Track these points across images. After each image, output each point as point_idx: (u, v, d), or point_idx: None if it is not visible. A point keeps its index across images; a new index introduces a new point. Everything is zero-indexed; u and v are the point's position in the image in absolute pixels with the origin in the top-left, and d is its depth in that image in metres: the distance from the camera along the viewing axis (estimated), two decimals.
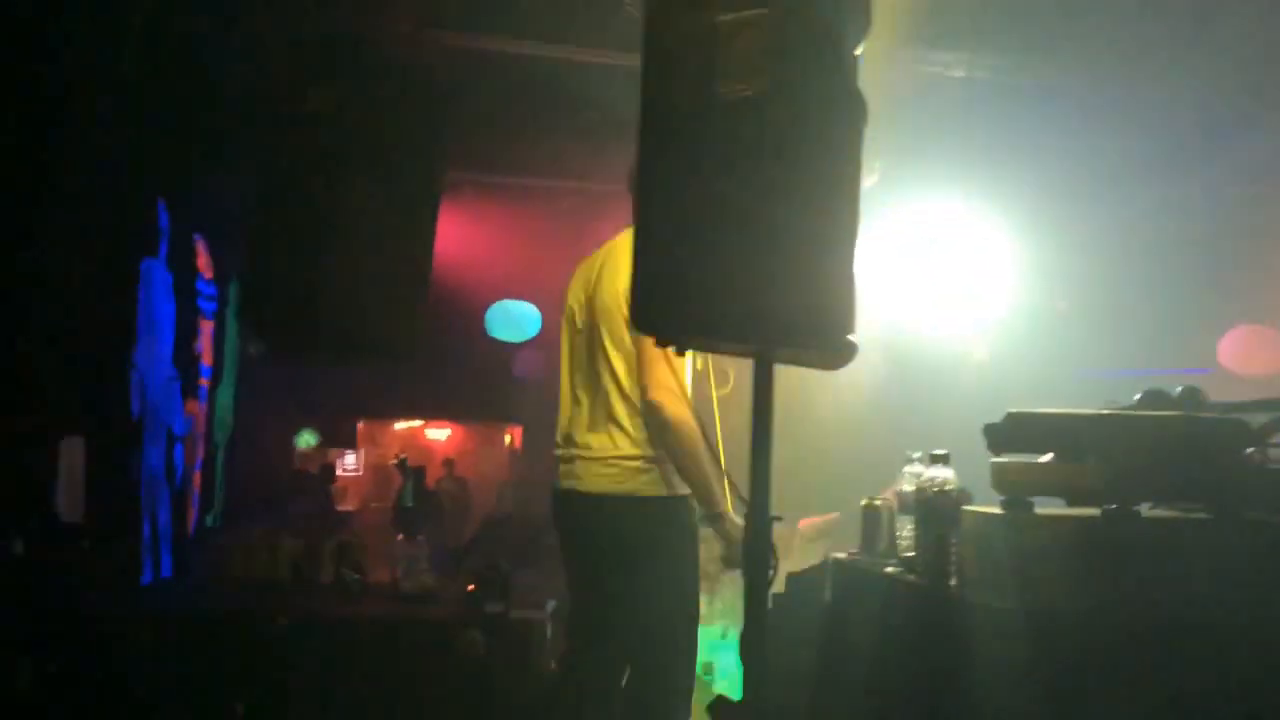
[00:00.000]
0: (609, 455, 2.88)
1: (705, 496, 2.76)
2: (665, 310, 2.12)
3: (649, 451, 2.84)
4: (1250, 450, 2.18)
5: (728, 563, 2.78)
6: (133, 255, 4.92)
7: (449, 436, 12.88)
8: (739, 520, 2.72)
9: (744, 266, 2.04)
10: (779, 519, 2.24)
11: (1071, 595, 1.90)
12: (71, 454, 4.32)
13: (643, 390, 2.80)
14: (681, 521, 2.85)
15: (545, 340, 7.38)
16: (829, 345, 2.06)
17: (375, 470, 12.21)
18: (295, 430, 9.46)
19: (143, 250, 5.06)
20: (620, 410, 2.91)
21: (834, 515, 5.17)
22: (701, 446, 2.74)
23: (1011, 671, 1.83)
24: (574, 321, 3.12)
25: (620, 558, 2.88)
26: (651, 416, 2.77)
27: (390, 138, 4.62)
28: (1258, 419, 2.31)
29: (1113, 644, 1.84)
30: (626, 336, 2.92)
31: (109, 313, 4.68)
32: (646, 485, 2.84)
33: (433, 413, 11.78)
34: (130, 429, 4.85)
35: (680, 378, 2.81)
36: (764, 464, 2.29)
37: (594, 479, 2.90)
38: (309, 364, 5.61)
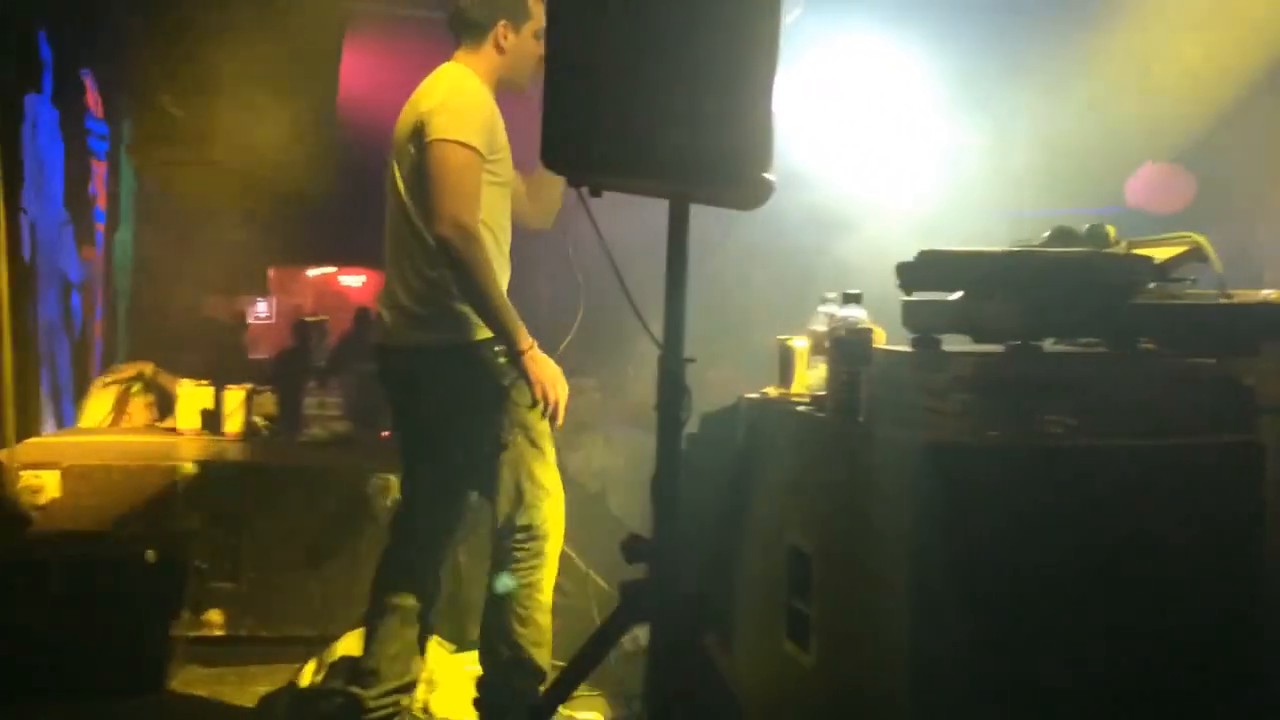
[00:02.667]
0: (405, 304, 2.81)
1: (503, 335, 2.70)
2: (576, 150, 2.06)
3: (440, 295, 2.77)
4: (1152, 285, 2.22)
5: (532, 401, 2.72)
6: (12, 90, 4.61)
7: (364, 283, 12.60)
8: (543, 358, 2.71)
9: (657, 106, 1.98)
10: (692, 360, 2.24)
11: (973, 430, 1.94)
12: None
13: (429, 225, 2.71)
14: (484, 365, 2.80)
15: None
16: (745, 184, 2.02)
17: (288, 318, 11.96)
18: (202, 277, 9.18)
19: (24, 85, 4.75)
20: (415, 251, 2.81)
21: None
22: (491, 282, 2.67)
23: (913, 504, 1.88)
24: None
25: (431, 409, 2.85)
26: (441, 254, 2.69)
27: None
28: (1162, 254, 2.36)
29: (1012, 477, 1.90)
30: (410, 169, 2.80)
31: None
32: (441, 333, 2.79)
33: (347, 259, 11.47)
34: (22, 276, 4.64)
35: (471, 205, 2.70)
36: (679, 306, 2.27)
37: (397, 331, 2.84)
38: (208, 206, 5.38)
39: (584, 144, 2.05)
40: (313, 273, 12.55)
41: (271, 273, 11.28)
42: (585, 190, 2.19)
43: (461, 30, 2.98)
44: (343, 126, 5.85)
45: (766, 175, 2.06)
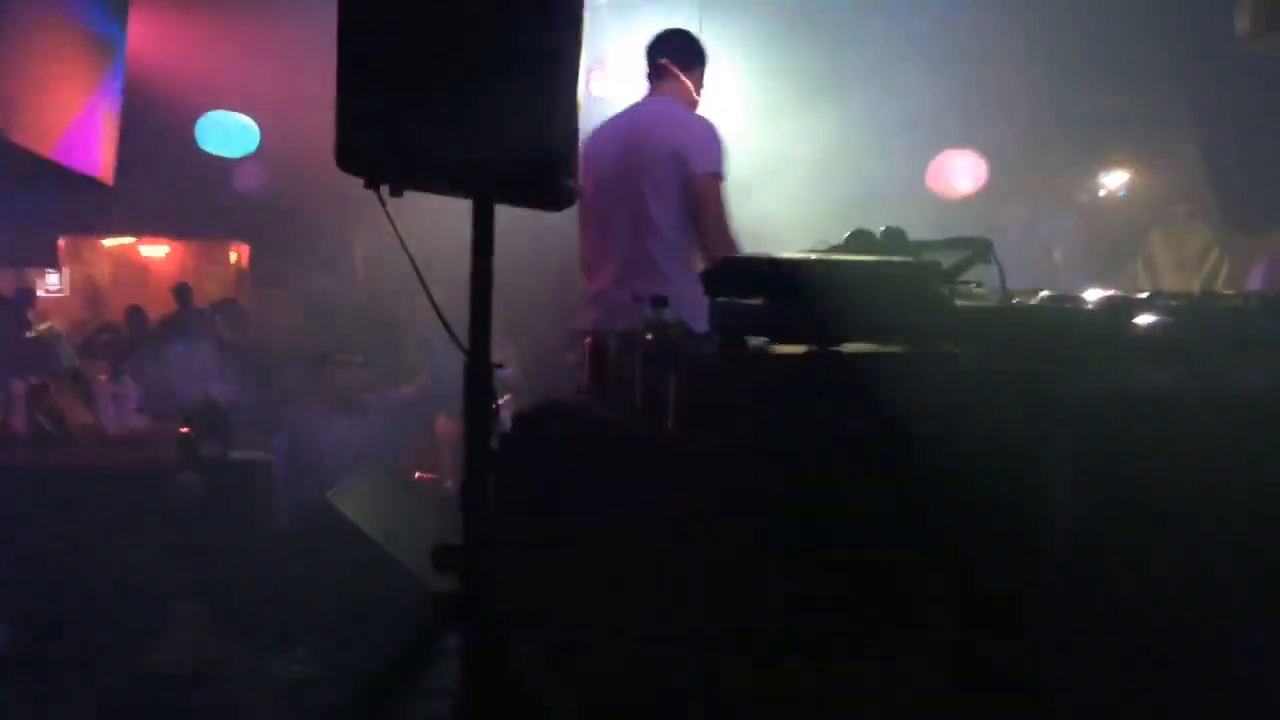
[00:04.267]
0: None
1: None
2: (371, 155, 1.99)
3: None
4: (943, 289, 2.32)
5: None
6: None
7: (168, 254, 11.96)
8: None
9: (454, 111, 1.93)
10: (500, 366, 2.21)
11: (777, 431, 1.99)
12: None
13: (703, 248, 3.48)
14: None
15: (264, 154, 6.88)
16: (547, 196, 2.00)
17: (83, 291, 11.26)
18: None
19: None
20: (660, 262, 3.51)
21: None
22: None
23: (715, 513, 1.92)
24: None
25: None
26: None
27: None
28: (950, 258, 2.47)
29: (814, 476, 1.95)
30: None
31: None
32: None
33: (146, 228, 10.85)
34: None
35: None
36: (484, 309, 2.24)
37: None
38: None
39: (379, 149, 1.98)
40: (110, 242, 11.83)
41: (62, 242, 10.60)
42: (385, 190, 2.13)
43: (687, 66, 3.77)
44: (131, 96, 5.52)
45: (570, 182, 2.05)
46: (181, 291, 7.89)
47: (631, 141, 3.62)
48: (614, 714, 2.31)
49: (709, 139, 3.54)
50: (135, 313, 8.03)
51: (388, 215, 2.15)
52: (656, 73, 3.78)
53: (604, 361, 2.74)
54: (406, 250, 2.18)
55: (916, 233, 2.59)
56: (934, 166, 6.95)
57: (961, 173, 6.77)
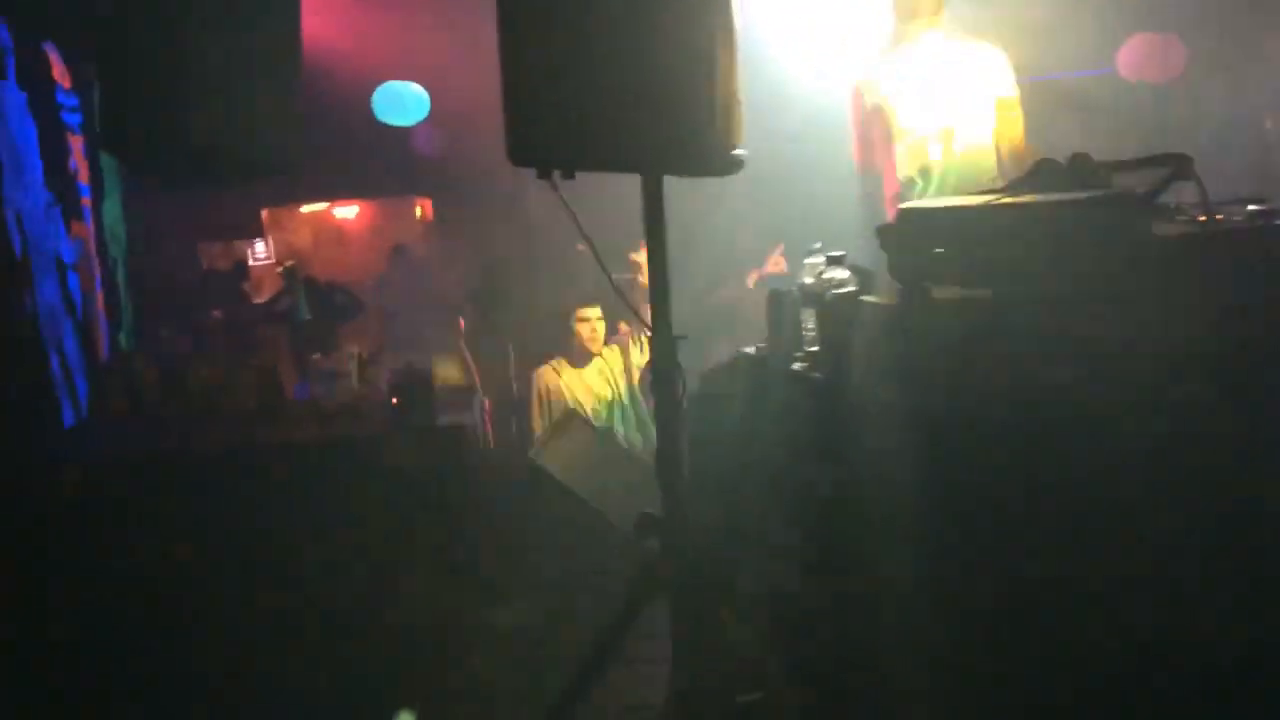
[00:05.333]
0: None
1: None
2: (542, 146, 2.04)
3: None
4: (1139, 220, 2.19)
5: None
6: None
7: (358, 214, 12.53)
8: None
9: (617, 95, 1.94)
10: (683, 338, 2.25)
11: (962, 389, 1.94)
12: None
13: None
14: None
15: (436, 119, 7.10)
16: (715, 166, 2.00)
17: (286, 257, 11.94)
18: (196, 225, 9.15)
19: None
20: None
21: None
22: None
23: (902, 469, 1.90)
24: None
25: None
26: None
27: None
28: (1143, 179, 2.31)
29: (1017, 437, 1.90)
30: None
31: None
32: None
33: (337, 192, 11.39)
34: (15, 268, 4.64)
35: None
36: (663, 282, 2.28)
37: None
38: (181, 187, 5.33)
39: (548, 140, 2.02)
40: (306, 209, 12.49)
41: (265, 213, 11.25)
42: (557, 175, 2.17)
43: None
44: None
45: (736, 152, 2.04)
46: (400, 251, 8.29)
47: None
48: (814, 664, 2.35)
49: None
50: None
51: (562, 200, 2.20)
52: None
53: (781, 311, 2.74)
54: (583, 232, 2.22)
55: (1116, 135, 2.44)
56: (1127, 51, 6.47)
57: (1159, 59, 6.28)
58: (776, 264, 5.38)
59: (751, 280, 5.42)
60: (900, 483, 1.88)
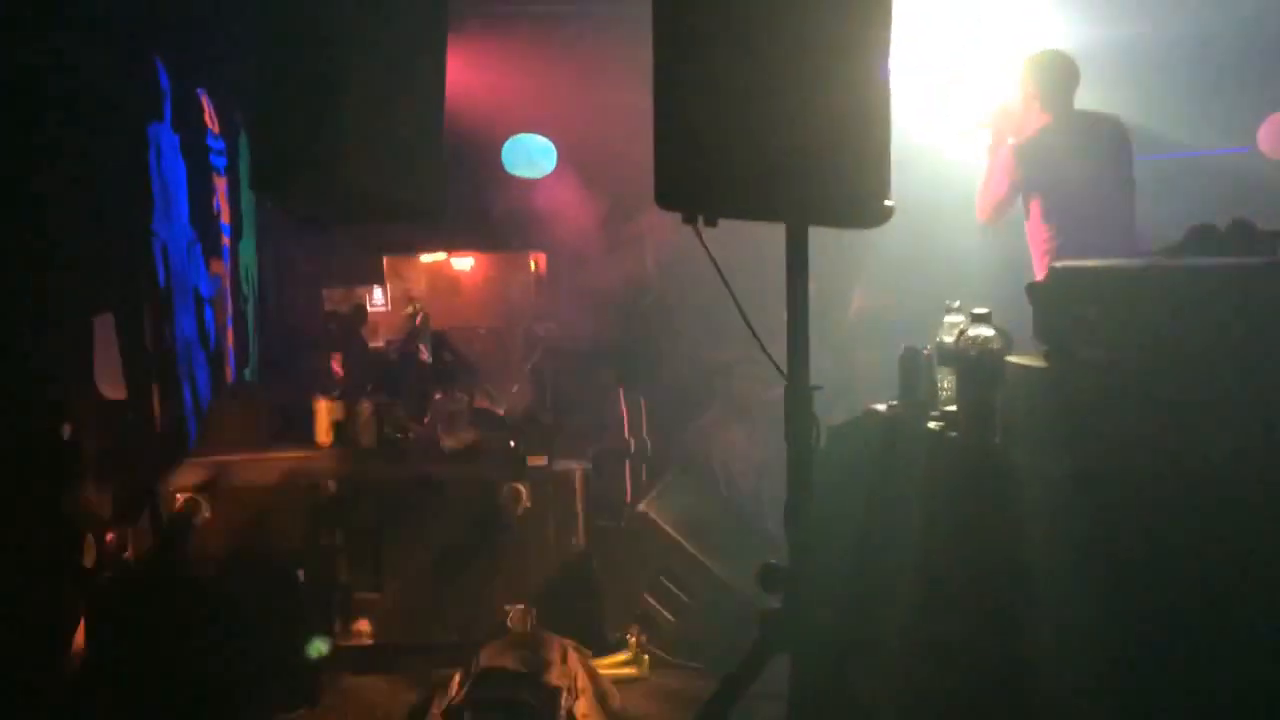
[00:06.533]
0: None
1: None
2: (690, 190, 2.06)
3: None
4: None
5: None
6: (138, 122, 4.80)
7: (474, 266, 12.81)
8: None
9: (762, 143, 1.96)
10: (819, 389, 2.23)
11: (1114, 454, 1.88)
12: (104, 331, 4.34)
13: None
14: None
15: (561, 172, 7.24)
16: (864, 218, 1.99)
17: (403, 304, 12.23)
18: (320, 270, 9.47)
19: (147, 114, 4.93)
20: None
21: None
22: None
23: (1053, 533, 1.84)
24: None
25: None
26: None
27: None
28: None
29: (1155, 504, 1.83)
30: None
31: (123, 184, 4.60)
32: None
33: (456, 243, 11.67)
34: (159, 299, 4.85)
35: None
36: (801, 331, 2.26)
37: None
38: (325, 229, 5.52)
39: (696, 186, 2.04)
40: (426, 258, 12.83)
41: (385, 260, 11.60)
42: (700, 222, 2.19)
43: None
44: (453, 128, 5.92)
45: (886, 203, 2.03)
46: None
47: None
48: None
49: None
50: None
51: (704, 245, 2.21)
52: None
53: (916, 370, 2.70)
54: (724, 279, 2.23)
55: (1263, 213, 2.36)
56: (1268, 127, 6.28)
57: None
58: (859, 307, 5.36)
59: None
60: (1063, 547, 1.81)
